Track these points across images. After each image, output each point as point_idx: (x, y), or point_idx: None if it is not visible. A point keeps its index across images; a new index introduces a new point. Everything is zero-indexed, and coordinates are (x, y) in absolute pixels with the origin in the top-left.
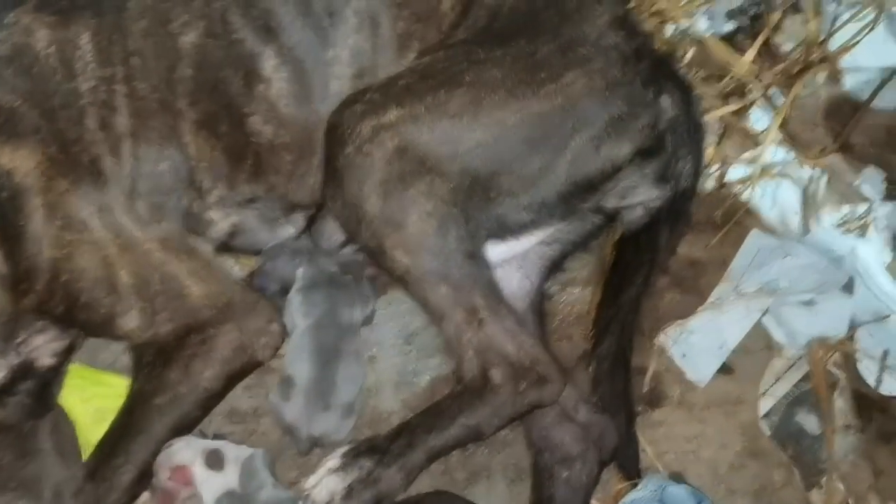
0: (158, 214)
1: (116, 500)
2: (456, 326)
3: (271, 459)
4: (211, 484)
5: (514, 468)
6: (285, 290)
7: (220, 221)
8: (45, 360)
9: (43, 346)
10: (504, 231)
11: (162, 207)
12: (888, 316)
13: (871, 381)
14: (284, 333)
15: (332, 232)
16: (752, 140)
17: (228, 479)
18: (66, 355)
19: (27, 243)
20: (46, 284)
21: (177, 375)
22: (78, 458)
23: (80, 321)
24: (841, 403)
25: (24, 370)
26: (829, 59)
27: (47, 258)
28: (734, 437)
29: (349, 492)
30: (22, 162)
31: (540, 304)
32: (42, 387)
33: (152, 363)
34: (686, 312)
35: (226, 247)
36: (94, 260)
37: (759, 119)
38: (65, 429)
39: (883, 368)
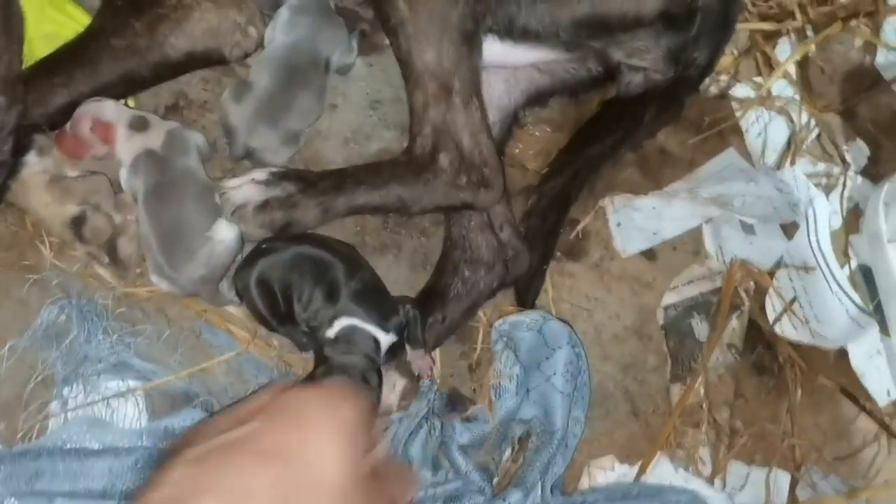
0: None
1: (40, 115)
2: (425, 98)
3: (206, 145)
4: (131, 143)
5: (423, 257)
6: (276, 3)
7: None
8: None
9: None
10: (507, 31)
11: None
12: (812, 269)
13: (771, 317)
14: (260, 42)
15: None
16: (769, 67)
17: (151, 139)
18: None
19: None
20: None
21: (141, 28)
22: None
23: None
24: (735, 325)
25: None
26: (879, 11)
27: None
28: (629, 313)
29: (264, 205)
30: None
31: (509, 124)
32: None
33: (120, 8)
34: (638, 192)
35: None
36: None
37: (784, 51)
38: (15, 16)
39: (785, 311)
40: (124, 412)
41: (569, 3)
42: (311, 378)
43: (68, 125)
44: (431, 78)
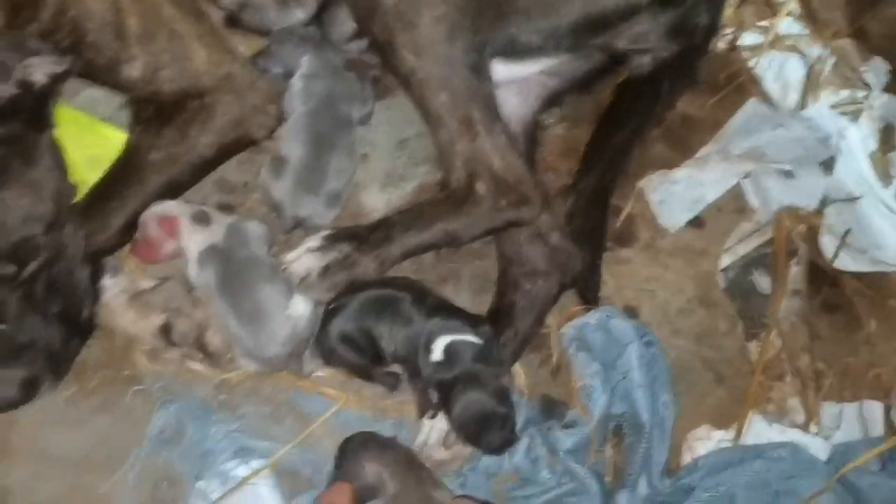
0: None
1: (106, 240)
2: (450, 135)
3: (266, 233)
4: (196, 237)
5: (481, 280)
6: (288, 74)
7: None
8: (39, 77)
9: (40, 65)
10: (511, 52)
11: None
12: (858, 198)
13: (828, 255)
14: (281, 116)
15: (342, 21)
16: (771, 9)
17: (214, 234)
18: (62, 78)
19: None
20: (53, 17)
21: (173, 136)
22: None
23: (85, 62)
24: (796, 271)
25: (24, 88)
26: None
27: None
28: (690, 284)
29: (325, 271)
30: None
31: (532, 133)
32: (39, 103)
33: (150, 121)
34: (671, 165)
35: (233, 21)
36: (104, 2)
37: None
38: (59, 151)
39: (842, 245)
40: (259, 494)
41: (562, 11)
42: (446, 405)
43: (137, 233)
44: (451, 116)
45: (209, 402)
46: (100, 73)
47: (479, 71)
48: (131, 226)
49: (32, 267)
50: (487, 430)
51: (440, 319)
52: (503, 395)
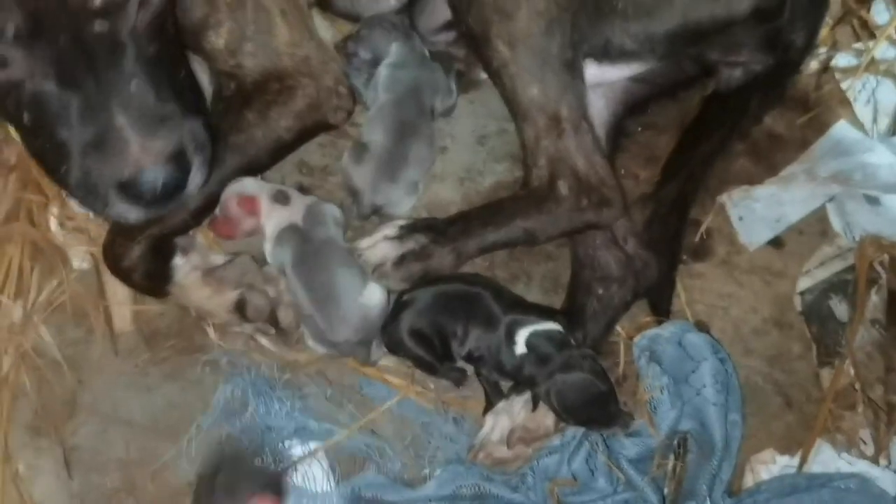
0: None
1: (181, 220)
2: (536, 131)
3: (341, 216)
4: (275, 215)
5: (553, 281)
6: (375, 61)
7: None
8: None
9: None
10: (604, 54)
11: None
12: None
13: None
14: (353, 97)
15: (432, 11)
16: (868, 32)
17: (293, 213)
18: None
19: None
20: None
21: (254, 118)
22: None
23: (174, 23)
24: (875, 300)
25: None
26: None
27: None
28: (765, 304)
29: (401, 260)
30: None
31: (615, 138)
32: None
33: (231, 100)
34: (754, 181)
35: (325, 4)
36: None
37: (881, 12)
38: None
39: None
40: (313, 475)
41: (660, 17)
42: (546, 397)
43: (217, 210)
44: (539, 111)
45: (274, 380)
46: (186, 35)
47: (573, 69)
48: (208, 207)
49: None
50: (597, 410)
51: (518, 313)
52: (601, 372)
